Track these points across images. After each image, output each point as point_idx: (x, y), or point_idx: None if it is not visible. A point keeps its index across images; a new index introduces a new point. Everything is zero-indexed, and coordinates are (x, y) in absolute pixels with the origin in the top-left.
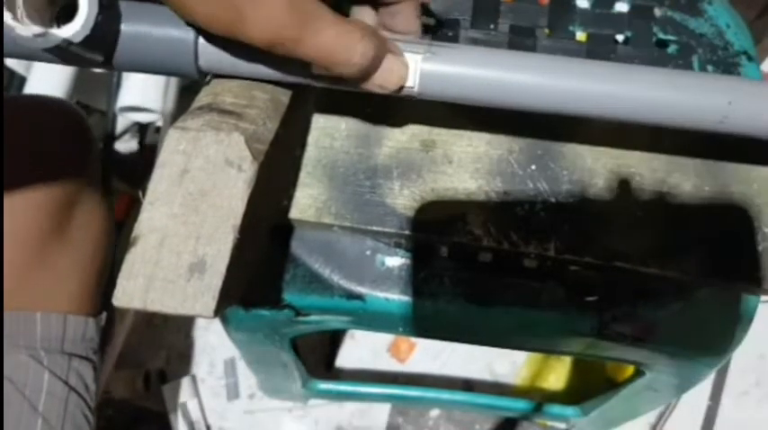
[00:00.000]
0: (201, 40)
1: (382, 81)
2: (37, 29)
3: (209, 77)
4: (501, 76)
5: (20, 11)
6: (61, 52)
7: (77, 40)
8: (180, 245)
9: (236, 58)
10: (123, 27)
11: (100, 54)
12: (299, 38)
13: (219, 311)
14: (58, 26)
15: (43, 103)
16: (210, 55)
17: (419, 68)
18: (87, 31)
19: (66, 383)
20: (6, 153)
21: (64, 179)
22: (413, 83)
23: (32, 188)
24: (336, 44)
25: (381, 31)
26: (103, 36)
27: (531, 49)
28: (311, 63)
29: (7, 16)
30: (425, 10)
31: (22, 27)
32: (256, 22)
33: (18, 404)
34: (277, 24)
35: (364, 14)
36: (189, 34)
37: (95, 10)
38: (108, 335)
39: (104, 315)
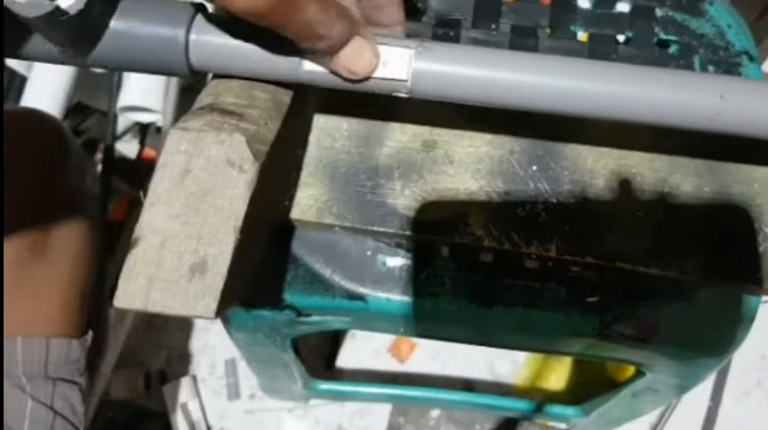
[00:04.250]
0: (193, 37)
1: (350, 63)
2: None
3: (209, 78)
4: (493, 74)
5: None
6: (55, 24)
7: (73, 11)
8: (181, 245)
9: (227, 56)
10: (114, 22)
11: (92, 34)
12: (281, 13)
13: (221, 312)
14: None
15: (16, 115)
16: (202, 53)
17: (412, 61)
18: (81, 5)
19: (50, 408)
20: None
21: (38, 196)
22: (406, 76)
23: (5, 208)
24: (317, 19)
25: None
26: (98, 12)
27: (533, 48)
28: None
29: None
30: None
31: None
32: None
33: None
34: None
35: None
36: (180, 32)
37: None
38: (98, 352)
39: (90, 334)
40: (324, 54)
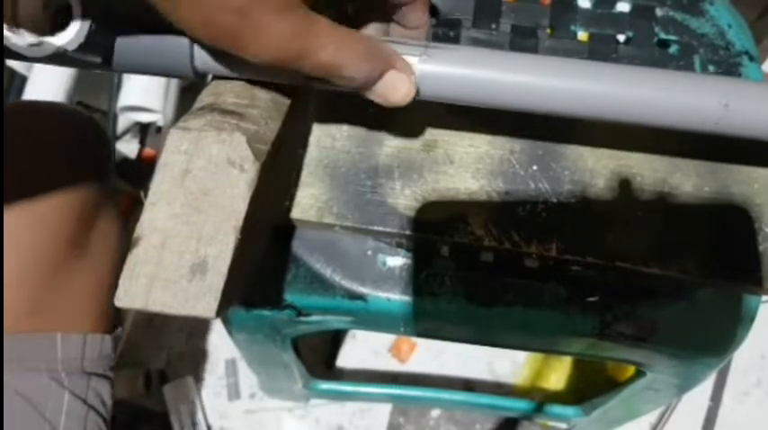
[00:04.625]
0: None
1: (384, 95)
2: (32, 38)
3: (209, 78)
4: (497, 76)
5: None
6: (58, 58)
7: (72, 48)
8: (182, 245)
9: (232, 59)
10: (118, 30)
11: (97, 56)
12: (299, 59)
13: (221, 312)
14: (55, 29)
15: (57, 112)
16: (206, 56)
17: (417, 71)
18: (81, 39)
19: (84, 402)
20: (20, 166)
21: (81, 192)
22: None
23: (49, 203)
24: (335, 62)
25: (390, 33)
26: (99, 40)
27: (533, 48)
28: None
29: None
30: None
31: (18, 37)
32: (256, 49)
33: (38, 426)
34: (277, 50)
35: (372, 25)
36: (184, 36)
37: (89, 17)
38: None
39: (120, 330)
40: (357, 90)
